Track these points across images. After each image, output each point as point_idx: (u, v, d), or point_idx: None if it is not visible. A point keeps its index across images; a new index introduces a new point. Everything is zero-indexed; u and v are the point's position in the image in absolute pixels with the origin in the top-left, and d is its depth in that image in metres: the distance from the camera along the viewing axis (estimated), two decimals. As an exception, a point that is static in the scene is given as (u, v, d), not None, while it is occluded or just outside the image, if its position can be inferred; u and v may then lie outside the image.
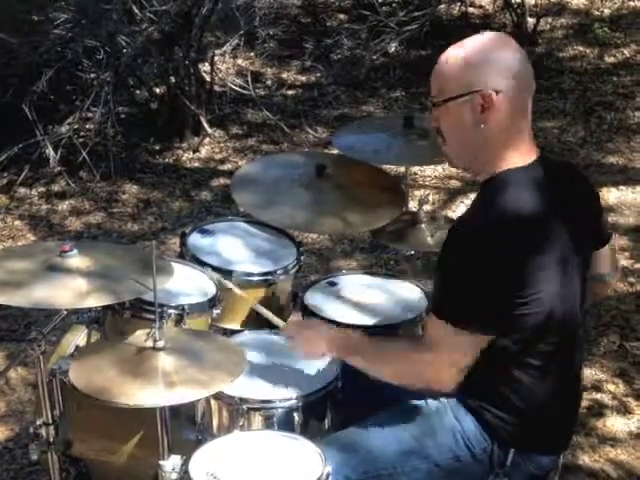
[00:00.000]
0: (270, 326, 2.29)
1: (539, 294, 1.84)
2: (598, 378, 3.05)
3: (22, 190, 4.21)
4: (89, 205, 4.12)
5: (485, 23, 5.40)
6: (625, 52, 5.10)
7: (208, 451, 1.92)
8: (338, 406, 2.12)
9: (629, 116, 4.58)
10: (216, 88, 4.72)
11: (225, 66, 5.00)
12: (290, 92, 4.91)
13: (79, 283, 1.99)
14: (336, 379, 2.11)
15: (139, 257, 2.17)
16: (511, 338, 1.86)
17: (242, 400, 2.05)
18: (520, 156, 1.89)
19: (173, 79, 4.43)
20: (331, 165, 2.54)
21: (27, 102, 4.07)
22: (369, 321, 2.38)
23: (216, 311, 2.28)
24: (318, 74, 5.03)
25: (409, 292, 2.50)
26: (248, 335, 2.30)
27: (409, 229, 2.58)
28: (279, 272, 2.42)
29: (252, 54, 5.14)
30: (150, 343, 1.93)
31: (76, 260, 2.04)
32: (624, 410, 2.94)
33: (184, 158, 4.42)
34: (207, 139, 4.51)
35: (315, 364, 2.17)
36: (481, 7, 5.55)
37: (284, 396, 2.06)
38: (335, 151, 2.82)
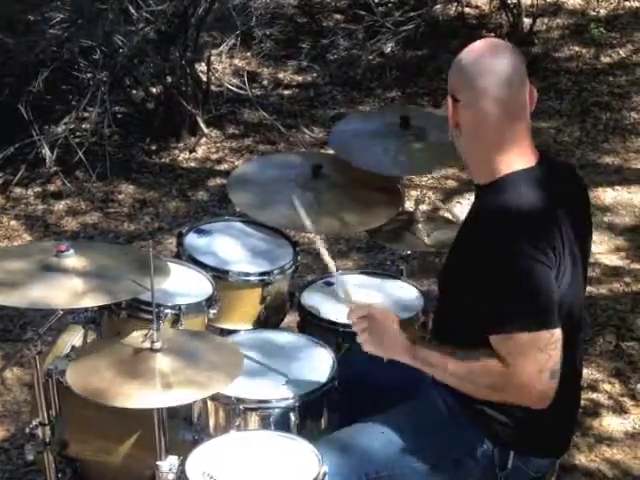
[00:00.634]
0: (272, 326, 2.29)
1: (561, 287, 1.85)
2: (594, 378, 3.05)
3: (18, 190, 4.20)
4: (85, 205, 4.12)
5: (481, 23, 5.40)
6: (621, 52, 5.11)
7: (205, 451, 1.92)
8: (335, 406, 2.12)
9: (625, 116, 4.59)
10: (212, 88, 4.71)
11: (221, 66, 4.99)
12: (286, 92, 4.90)
13: (75, 283, 1.99)
14: (333, 379, 2.11)
15: (135, 257, 2.17)
16: None
17: (239, 400, 2.04)
18: (521, 159, 1.89)
19: (169, 79, 4.42)
20: (327, 165, 2.54)
21: (23, 102, 4.06)
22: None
23: (213, 311, 2.28)
24: (314, 74, 5.03)
25: (405, 292, 2.50)
26: (244, 335, 2.30)
27: (405, 229, 2.58)
28: (276, 272, 2.42)
29: (248, 54, 5.14)
30: (147, 344, 1.92)
31: (72, 260, 2.04)
32: (620, 410, 2.94)
33: (180, 158, 4.42)
34: (203, 139, 4.51)
35: (312, 364, 2.17)
36: (477, 7, 5.55)
37: (281, 396, 2.06)
38: (331, 151, 2.81)
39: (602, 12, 5.46)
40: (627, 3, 5.52)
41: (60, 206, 4.12)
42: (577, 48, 5.15)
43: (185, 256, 2.43)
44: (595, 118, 4.57)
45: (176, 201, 4.13)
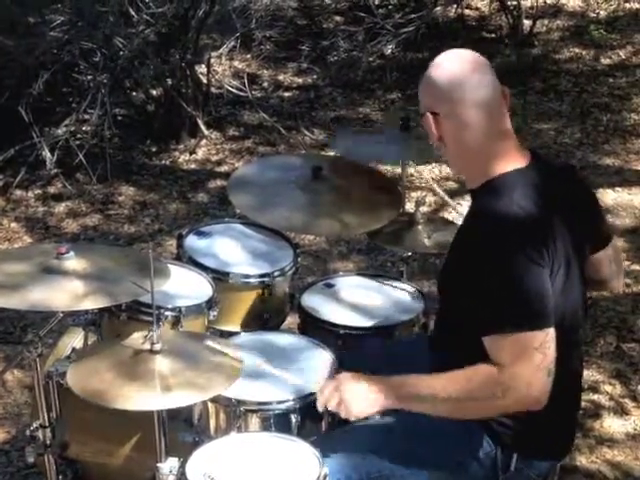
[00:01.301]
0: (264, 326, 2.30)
1: (555, 288, 1.85)
2: (595, 379, 3.05)
3: (18, 192, 4.21)
4: (85, 207, 4.12)
5: (481, 25, 5.40)
6: (621, 54, 5.11)
7: (205, 453, 1.92)
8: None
9: (625, 118, 4.59)
10: (213, 90, 4.71)
11: (222, 68, 4.99)
12: (287, 94, 4.91)
13: (76, 285, 1.99)
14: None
15: (136, 259, 2.17)
16: None
17: (239, 402, 2.04)
18: (512, 160, 1.90)
19: (170, 81, 4.43)
20: (327, 167, 2.54)
21: (23, 104, 4.07)
22: (366, 323, 2.38)
23: (213, 313, 2.28)
24: (314, 76, 5.03)
25: (406, 294, 2.50)
26: (245, 337, 2.30)
27: (406, 231, 2.58)
28: (276, 274, 2.42)
29: (249, 56, 5.14)
30: (147, 346, 1.92)
31: (73, 262, 2.03)
32: (621, 411, 2.94)
33: (181, 160, 4.42)
34: (204, 141, 4.51)
35: (312, 365, 2.17)
36: (477, 9, 5.56)
37: (281, 398, 2.06)
38: (332, 153, 2.82)
39: (602, 14, 5.46)
40: (627, 5, 5.52)
41: (60, 208, 4.12)
42: (577, 50, 5.15)
43: (185, 258, 2.43)
44: (595, 119, 4.58)
45: (176, 203, 4.13)
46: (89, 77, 4.26)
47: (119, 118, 4.58)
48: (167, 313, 2.19)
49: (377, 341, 2.33)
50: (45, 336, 2.13)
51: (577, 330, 1.99)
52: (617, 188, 4.08)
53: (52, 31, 4.16)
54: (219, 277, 2.37)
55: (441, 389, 1.85)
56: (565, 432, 2.03)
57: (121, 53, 4.18)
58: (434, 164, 4.13)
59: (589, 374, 3.05)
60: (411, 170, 4.06)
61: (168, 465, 1.94)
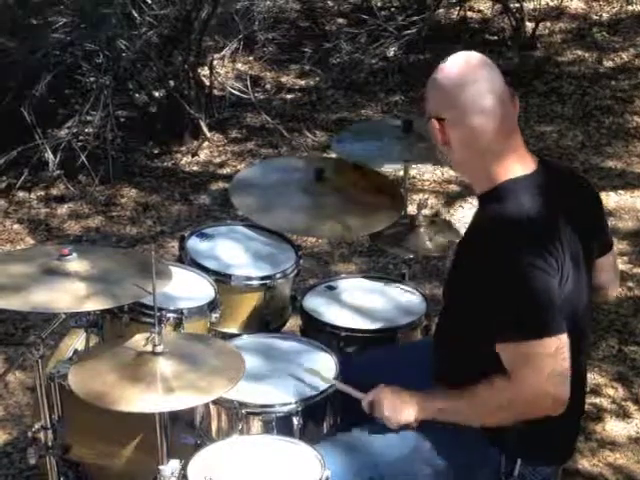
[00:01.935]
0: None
1: (564, 293, 1.85)
2: (597, 382, 3.05)
3: (21, 194, 4.21)
4: (88, 209, 4.12)
5: (484, 28, 5.40)
6: (624, 56, 5.11)
7: (207, 455, 1.92)
8: (337, 410, 2.12)
9: (627, 120, 4.58)
10: (215, 92, 4.72)
11: (224, 70, 5.00)
12: (289, 96, 4.91)
13: (78, 287, 1.99)
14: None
15: (138, 261, 2.17)
16: None
17: (241, 404, 2.04)
18: (520, 165, 1.89)
19: (172, 83, 4.43)
20: (330, 169, 2.54)
21: (26, 106, 4.07)
22: (367, 325, 2.38)
23: (215, 315, 2.28)
24: (317, 78, 5.03)
25: (408, 296, 2.50)
26: (247, 339, 2.30)
27: (408, 233, 2.58)
28: (278, 276, 2.42)
29: (251, 58, 5.14)
30: (149, 347, 1.92)
31: (75, 264, 2.04)
32: (623, 414, 2.94)
33: (183, 162, 4.42)
34: (206, 143, 4.51)
35: (313, 367, 2.16)
36: (480, 12, 5.56)
37: (283, 400, 2.06)
38: (334, 155, 2.82)
39: (605, 16, 5.46)
40: (630, 7, 5.51)
41: (63, 210, 4.12)
42: (580, 52, 5.15)
43: (187, 260, 2.43)
44: (598, 122, 4.57)
45: (178, 205, 4.13)
46: (92, 79, 4.27)
47: (121, 120, 4.58)
48: (169, 315, 2.19)
49: (379, 344, 2.33)
50: (47, 338, 2.13)
51: (584, 335, 1.98)
52: (619, 191, 4.08)
53: (54, 33, 4.16)
54: (221, 279, 2.37)
55: (465, 406, 1.88)
56: (568, 436, 2.02)
57: (124, 55, 4.18)
58: (436, 167, 4.13)
59: (591, 377, 3.04)
60: (413, 172, 4.06)
61: (170, 467, 1.94)
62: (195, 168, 4.39)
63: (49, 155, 4.12)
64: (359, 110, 4.78)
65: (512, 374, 1.81)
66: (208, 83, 4.61)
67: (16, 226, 4.02)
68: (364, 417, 2.02)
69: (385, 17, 5.02)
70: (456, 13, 5.41)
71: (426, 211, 2.65)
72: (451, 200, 4.01)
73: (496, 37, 5.32)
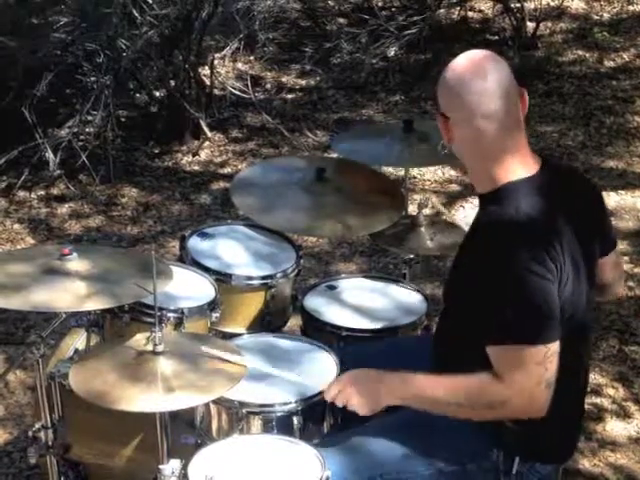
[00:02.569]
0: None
1: (563, 296, 1.85)
2: (598, 382, 3.05)
3: (21, 193, 4.21)
4: (88, 208, 4.12)
5: (485, 28, 5.40)
6: (624, 56, 5.10)
7: (207, 455, 1.92)
8: (337, 410, 2.12)
9: (628, 120, 4.58)
10: (216, 92, 4.72)
11: (225, 70, 5.00)
12: (290, 96, 4.91)
13: (78, 286, 1.99)
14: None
15: (138, 260, 2.17)
16: None
17: (241, 404, 2.04)
18: (522, 167, 1.89)
19: (173, 83, 4.43)
20: (331, 169, 2.54)
21: (27, 105, 4.07)
22: (368, 325, 2.38)
23: (215, 314, 2.28)
24: (318, 78, 5.03)
25: (408, 296, 2.50)
26: (247, 338, 2.30)
27: (408, 233, 2.58)
28: (278, 275, 2.42)
29: (252, 58, 5.14)
30: (150, 347, 1.92)
31: (75, 263, 2.04)
32: (624, 414, 2.94)
33: (184, 161, 4.42)
34: (207, 142, 4.51)
35: (314, 367, 2.16)
36: (481, 11, 5.55)
37: (283, 400, 2.06)
38: (335, 155, 2.82)
39: (606, 16, 5.45)
40: (631, 7, 5.51)
41: (63, 209, 4.12)
42: (581, 52, 5.15)
43: (188, 259, 2.43)
44: (599, 122, 4.57)
45: (179, 204, 4.13)
46: (92, 78, 4.27)
47: (122, 119, 4.58)
48: (170, 314, 2.19)
49: (379, 343, 2.33)
50: (48, 337, 2.13)
51: (585, 335, 1.98)
52: (620, 191, 4.08)
53: (55, 32, 4.16)
54: (222, 279, 2.37)
55: (443, 394, 1.86)
56: (568, 436, 2.02)
57: (124, 54, 4.18)
58: (437, 167, 4.13)
59: (592, 377, 3.04)
60: (414, 172, 4.06)
61: (170, 467, 1.94)
62: (196, 168, 4.39)
63: (50, 155, 4.12)
64: (359, 110, 4.78)
65: (502, 377, 1.81)
66: (209, 83, 4.61)
67: (16, 226, 4.02)
68: (364, 417, 2.02)
69: (386, 17, 5.02)
70: (457, 13, 5.41)
71: (427, 211, 2.65)
72: (452, 200, 4.01)
73: (497, 37, 5.32)
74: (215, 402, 2.05)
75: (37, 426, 2.15)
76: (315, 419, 2.08)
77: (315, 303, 2.44)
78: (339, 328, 2.34)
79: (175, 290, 2.22)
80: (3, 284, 2.01)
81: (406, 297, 2.49)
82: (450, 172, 4.16)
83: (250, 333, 2.34)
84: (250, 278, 2.40)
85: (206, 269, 2.38)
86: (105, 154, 4.28)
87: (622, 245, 3.68)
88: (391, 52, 4.96)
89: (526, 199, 1.85)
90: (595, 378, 3.06)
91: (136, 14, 4.10)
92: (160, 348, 1.91)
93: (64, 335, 2.46)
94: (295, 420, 2.04)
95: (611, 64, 5.04)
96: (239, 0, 4.53)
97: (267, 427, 2.05)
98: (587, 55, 5.11)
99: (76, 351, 2.34)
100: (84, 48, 4.19)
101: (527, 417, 1.84)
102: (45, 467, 2.20)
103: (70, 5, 4.25)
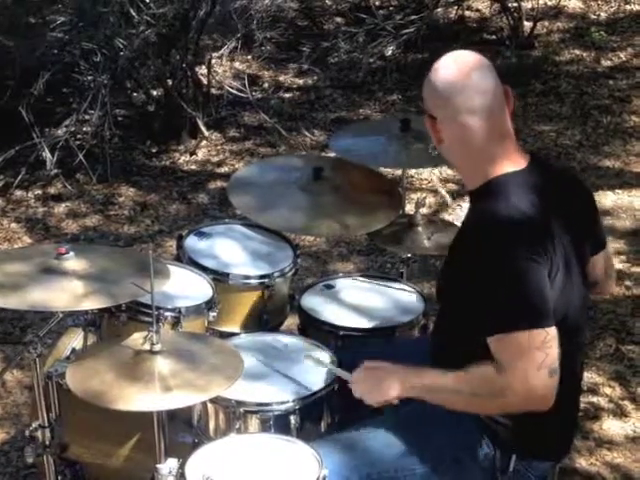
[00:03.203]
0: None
1: (554, 289, 1.85)
2: (594, 381, 3.05)
3: (18, 192, 4.21)
4: (86, 208, 4.12)
5: (482, 27, 5.40)
6: (621, 56, 5.11)
7: (204, 454, 1.92)
8: (335, 409, 2.12)
9: (625, 120, 4.59)
10: (213, 91, 4.72)
11: (222, 69, 5.00)
12: (287, 95, 4.91)
13: (75, 286, 1.99)
14: (333, 382, 2.11)
15: (136, 260, 2.17)
16: None
17: (239, 403, 2.04)
18: (511, 162, 1.91)
19: (170, 82, 4.43)
20: (328, 168, 2.54)
21: (24, 104, 4.07)
22: (365, 324, 2.38)
23: (212, 314, 2.28)
24: (315, 77, 5.03)
25: (406, 295, 2.50)
26: (245, 338, 2.30)
27: (406, 232, 2.58)
28: (276, 275, 2.42)
29: (249, 57, 5.14)
30: (147, 346, 1.92)
31: (72, 263, 2.03)
32: (620, 413, 2.94)
33: (181, 161, 4.42)
34: (204, 142, 4.51)
35: (311, 366, 2.16)
36: (478, 11, 5.56)
37: (281, 399, 2.06)
38: (332, 154, 2.82)
39: (602, 15, 5.46)
40: (628, 7, 5.52)
41: (60, 209, 4.12)
42: (578, 51, 5.15)
43: (185, 259, 2.43)
44: (596, 121, 4.58)
45: (176, 204, 4.13)
46: (89, 77, 4.26)
47: (119, 119, 4.58)
48: (167, 314, 2.19)
49: (377, 342, 2.33)
50: (45, 336, 2.12)
51: (579, 332, 1.99)
52: (617, 190, 4.08)
53: (53, 31, 4.16)
54: (219, 278, 2.37)
55: (452, 383, 1.87)
56: (564, 433, 2.03)
57: (122, 54, 4.18)
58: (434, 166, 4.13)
59: (588, 376, 3.05)
60: (411, 171, 4.06)
61: (167, 466, 1.94)
62: (193, 167, 4.39)
63: (47, 154, 4.12)
64: (357, 109, 4.78)
65: (503, 366, 1.82)
66: (206, 82, 4.61)
67: (13, 225, 4.02)
68: (361, 416, 2.02)
69: (383, 16, 5.02)
70: (454, 12, 5.41)
71: (424, 210, 2.65)
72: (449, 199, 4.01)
73: (494, 36, 5.32)
74: (212, 401, 2.05)
75: (34, 425, 2.15)
76: (312, 418, 2.08)
77: (312, 302, 2.44)
78: (336, 327, 2.34)
79: (172, 289, 2.22)
80: (0, 283, 2.00)
81: (403, 296, 2.49)
82: (447, 171, 4.16)
83: (247, 332, 2.34)
84: (247, 277, 2.40)
85: (203, 268, 2.38)
86: (102, 153, 4.28)
87: (619, 244, 3.69)
88: (388, 51, 4.96)
89: (515, 192, 1.87)
90: (592, 377, 3.06)
91: (133, 13, 4.10)
92: (157, 347, 1.91)
93: (61, 334, 2.46)
94: (292, 419, 2.04)
95: (608, 63, 5.05)
96: (236, -1, 4.54)
97: (264, 426, 2.05)
98: (584, 54, 5.12)
99: (73, 350, 2.34)
100: (81, 47, 4.18)
101: (533, 407, 1.84)
102: (42, 466, 2.20)
103: (67, 4, 4.24)
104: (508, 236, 1.83)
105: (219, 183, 4.23)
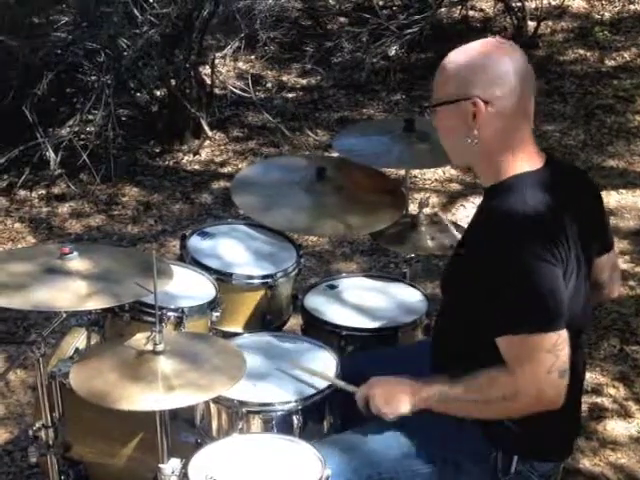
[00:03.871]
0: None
1: (568, 289, 1.85)
2: (598, 382, 3.05)
3: (22, 192, 4.21)
4: (89, 208, 4.12)
5: (486, 27, 5.40)
6: (625, 55, 5.10)
7: (207, 454, 1.92)
8: (337, 409, 2.12)
9: (629, 119, 4.58)
10: (216, 91, 4.72)
11: (226, 69, 5.00)
12: (290, 95, 4.91)
13: (79, 285, 1.99)
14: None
15: (139, 260, 2.17)
16: None
17: (241, 403, 2.04)
18: (528, 161, 1.89)
19: (174, 82, 4.43)
20: (331, 168, 2.54)
21: (28, 104, 4.07)
22: (368, 324, 2.38)
23: (216, 314, 2.28)
24: (318, 77, 5.03)
25: (409, 295, 2.50)
26: (247, 338, 2.30)
27: (409, 232, 2.58)
28: (279, 275, 2.42)
29: (253, 57, 5.14)
30: (150, 346, 1.92)
31: (76, 263, 2.04)
32: (624, 414, 2.94)
33: (184, 161, 4.42)
34: (207, 142, 4.51)
35: (314, 367, 2.16)
36: (482, 10, 5.55)
37: (283, 399, 2.06)
38: (335, 154, 2.82)
39: (607, 15, 5.45)
40: (632, 6, 5.51)
41: (64, 209, 4.12)
42: (582, 51, 5.15)
43: (188, 259, 2.43)
44: (600, 121, 4.57)
45: (180, 204, 4.13)
46: (93, 77, 4.27)
47: (123, 119, 4.58)
48: (170, 314, 2.19)
49: (380, 343, 2.33)
50: (48, 336, 2.13)
51: (582, 333, 1.98)
52: (621, 190, 4.08)
53: (56, 31, 4.17)
54: (222, 278, 2.37)
55: (463, 391, 1.86)
56: (566, 433, 2.02)
57: (125, 54, 4.19)
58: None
59: (592, 377, 3.04)
60: (414, 171, 4.06)
61: (170, 466, 1.94)
62: (196, 167, 4.39)
63: (50, 154, 4.12)
64: (360, 109, 4.78)
65: (513, 368, 1.81)
66: (209, 82, 4.61)
67: (17, 225, 4.02)
68: (363, 416, 2.02)
69: (387, 16, 5.02)
70: (458, 12, 5.41)
71: (427, 210, 2.65)
72: (453, 199, 4.01)
73: (498, 36, 5.31)
74: (215, 401, 2.05)
75: (38, 425, 2.16)
76: (315, 418, 2.08)
77: (316, 302, 2.44)
78: (339, 327, 2.34)
79: (175, 289, 2.22)
80: (4, 283, 2.01)
81: (406, 296, 2.49)
82: (451, 171, 4.16)
83: (250, 332, 2.34)
84: (251, 277, 2.40)
85: (207, 268, 2.38)
86: (106, 153, 4.28)
87: (623, 244, 3.68)
88: (392, 51, 4.96)
89: (532, 191, 1.85)
90: (596, 377, 3.05)
91: (137, 13, 4.10)
92: (160, 347, 1.91)
93: (65, 334, 2.46)
94: (295, 419, 2.04)
95: (612, 63, 5.04)
96: (240, -1, 4.54)
97: (267, 426, 2.05)
98: (588, 54, 5.11)
99: (77, 350, 2.34)
100: (85, 47, 4.19)
101: (543, 408, 1.83)
102: (45, 466, 2.20)
103: (71, 4, 4.25)
104: (522, 235, 1.81)
105: (222, 183, 4.23)
